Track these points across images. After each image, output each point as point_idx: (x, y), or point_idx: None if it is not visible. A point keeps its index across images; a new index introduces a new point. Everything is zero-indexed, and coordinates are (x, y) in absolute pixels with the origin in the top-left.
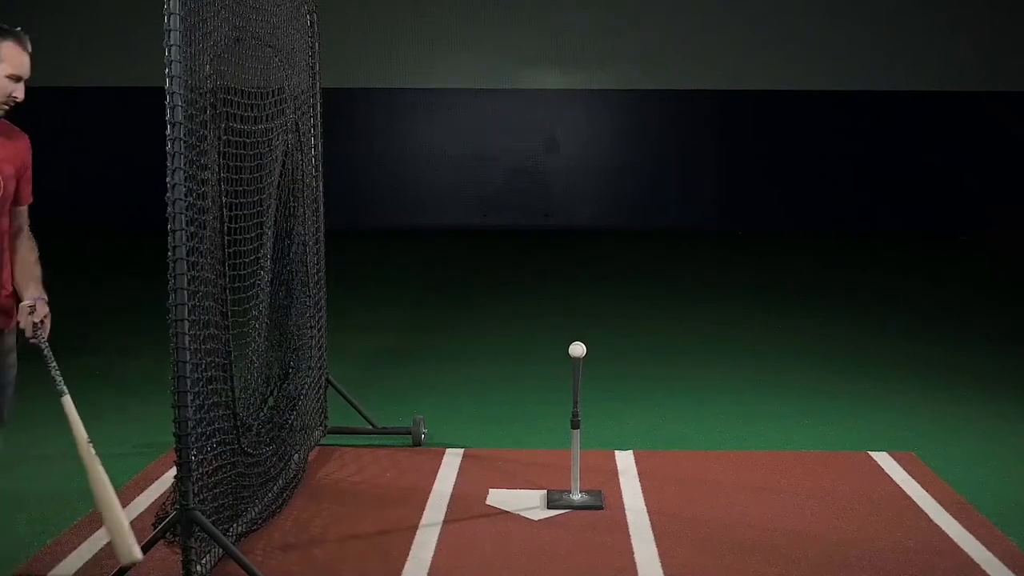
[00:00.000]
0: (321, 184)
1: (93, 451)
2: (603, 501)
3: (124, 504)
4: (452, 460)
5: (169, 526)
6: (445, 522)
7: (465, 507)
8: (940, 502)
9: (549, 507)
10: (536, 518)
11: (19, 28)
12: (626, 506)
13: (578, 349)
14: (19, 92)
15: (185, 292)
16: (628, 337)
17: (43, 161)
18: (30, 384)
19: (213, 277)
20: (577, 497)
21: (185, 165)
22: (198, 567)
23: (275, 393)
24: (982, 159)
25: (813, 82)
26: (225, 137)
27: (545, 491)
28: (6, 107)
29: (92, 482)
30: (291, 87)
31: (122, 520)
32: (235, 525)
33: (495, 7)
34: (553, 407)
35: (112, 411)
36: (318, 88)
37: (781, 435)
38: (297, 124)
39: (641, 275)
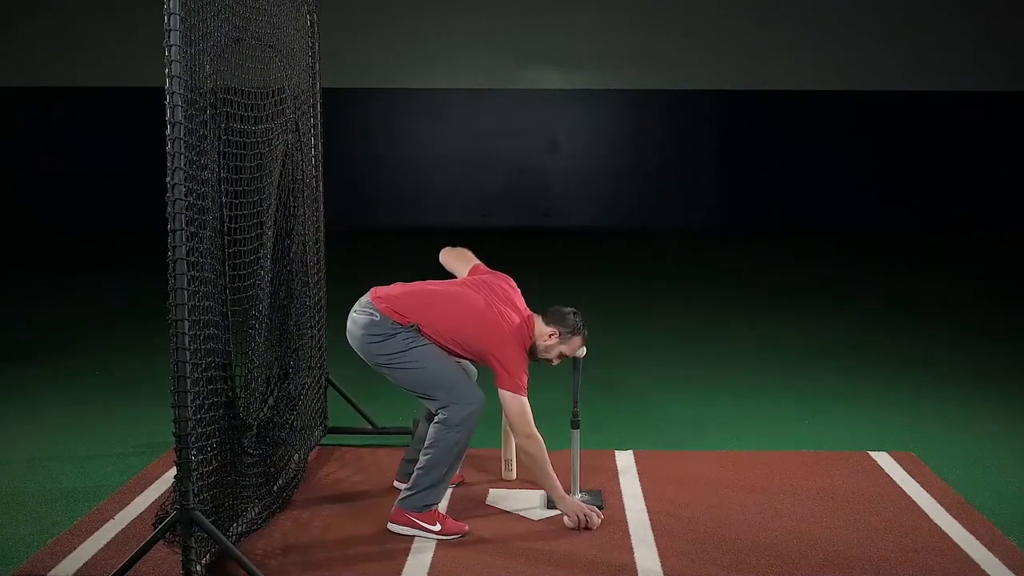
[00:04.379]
0: (321, 184)
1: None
2: (603, 501)
3: (124, 504)
4: None
5: (169, 526)
6: None
7: (465, 507)
8: (940, 502)
9: (549, 507)
10: (536, 518)
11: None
12: (626, 506)
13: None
14: (557, 362)
15: (185, 292)
16: (628, 337)
17: (43, 161)
18: (29, 384)
19: (213, 277)
20: (577, 497)
21: (185, 165)
22: (198, 567)
23: (275, 393)
24: (982, 159)
25: (813, 82)
26: (225, 137)
27: (545, 491)
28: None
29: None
30: (291, 87)
31: (512, 447)
32: (235, 525)
33: (495, 7)
34: (553, 407)
35: (112, 411)
36: (318, 88)
37: (781, 435)
38: (297, 124)
39: (641, 275)
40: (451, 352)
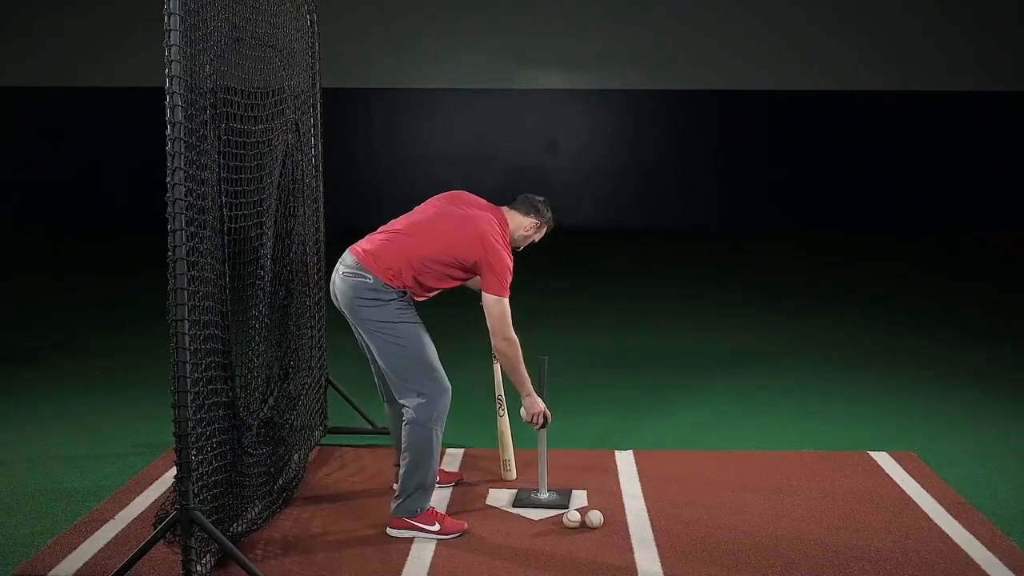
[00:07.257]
0: (321, 184)
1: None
2: (570, 500)
3: (124, 504)
4: (452, 460)
5: (169, 526)
6: None
7: (465, 507)
8: (940, 502)
9: (515, 506)
10: (536, 518)
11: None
12: (626, 506)
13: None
14: (523, 248)
15: (185, 292)
16: (628, 337)
17: (44, 161)
18: (29, 385)
19: (213, 277)
20: (544, 496)
21: (185, 165)
22: (198, 567)
23: (275, 393)
24: (982, 159)
25: (813, 82)
26: (225, 137)
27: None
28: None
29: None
30: (291, 87)
31: (511, 448)
32: (235, 525)
33: (495, 7)
34: (551, 407)
35: (112, 411)
36: (318, 88)
37: (781, 435)
38: (297, 124)
39: (641, 275)
40: (451, 277)
